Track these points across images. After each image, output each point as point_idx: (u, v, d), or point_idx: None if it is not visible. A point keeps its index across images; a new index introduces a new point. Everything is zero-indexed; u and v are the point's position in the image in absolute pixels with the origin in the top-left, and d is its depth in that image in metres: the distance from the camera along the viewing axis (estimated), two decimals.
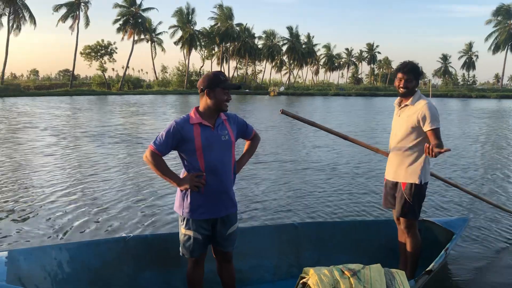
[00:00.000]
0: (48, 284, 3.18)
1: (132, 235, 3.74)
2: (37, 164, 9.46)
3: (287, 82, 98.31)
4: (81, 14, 62.88)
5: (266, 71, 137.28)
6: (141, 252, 3.64)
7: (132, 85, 73.26)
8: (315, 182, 8.14)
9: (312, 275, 2.84)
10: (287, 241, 4.06)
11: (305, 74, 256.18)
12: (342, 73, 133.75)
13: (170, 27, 77.16)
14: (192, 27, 76.81)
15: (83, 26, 64.54)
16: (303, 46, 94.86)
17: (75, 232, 5.23)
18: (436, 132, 3.42)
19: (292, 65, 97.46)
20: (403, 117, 3.60)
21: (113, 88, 67.76)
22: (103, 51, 68.04)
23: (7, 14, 56.16)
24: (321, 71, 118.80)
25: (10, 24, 56.44)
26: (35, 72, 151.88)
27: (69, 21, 62.96)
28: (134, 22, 68.45)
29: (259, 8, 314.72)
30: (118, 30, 68.96)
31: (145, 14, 70.31)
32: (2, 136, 14.31)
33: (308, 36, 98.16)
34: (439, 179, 4.58)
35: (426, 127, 3.44)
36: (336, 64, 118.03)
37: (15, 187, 7.35)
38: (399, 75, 3.58)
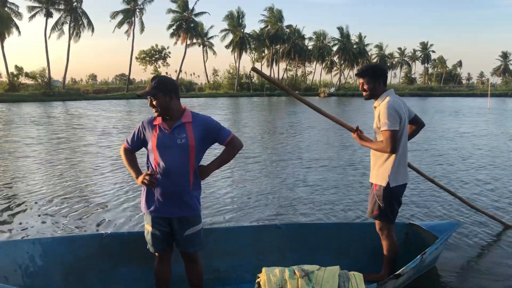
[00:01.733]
0: (18, 277, 3.25)
1: (108, 232, 3.78)
2: (93, 163, 10.00)
3: (338, 83, 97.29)
4: (136, 20, 65.36)
5: (316, 72, 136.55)
6: (117, 249, 3.65)
7: (184, 89, 75.06)
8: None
9: (262, 275, 2.91)
10: (269, 242, 4.04)
11: None
12: (395, 73, 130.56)
13: (221, 31, 78.68)
14: (242, 30, 77.82)
15: (138, 32, 66.93)
16: (354, 46, 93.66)
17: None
18: (385, 133, 3.33)
19: (343, 66, 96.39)
20: (375, 119, 3.54)
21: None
22: (157, 56, 70.30)
23: (68, 22, 59.27)
24: None
25: (71, 32, 59.53)
26: (93, 76, 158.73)
27: (125, 27, 65.70)
28: (187, 27, 70.17)
29: (309, 10, 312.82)
30: (172, 35, 70.99)
31: (197, 19, 71.99)
32: (64, 136, 15.18)
33: (360, 36, 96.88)
34: (421, 175, 4.63)
35: (381, 127, 3.38)
36: (388, 64, 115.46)
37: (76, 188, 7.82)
38: (358, 79, 3.61)
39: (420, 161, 10.27)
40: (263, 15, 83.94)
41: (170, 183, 2.91)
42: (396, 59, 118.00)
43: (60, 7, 58.90)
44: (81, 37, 60.91)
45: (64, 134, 16.59)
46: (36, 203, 6.60)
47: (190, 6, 70.74)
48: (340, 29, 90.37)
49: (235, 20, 77.39)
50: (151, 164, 2.99)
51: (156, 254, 3.15)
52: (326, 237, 4.14)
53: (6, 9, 54.32)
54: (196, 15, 71.72)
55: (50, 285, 3.39)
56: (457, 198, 5.19)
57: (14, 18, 55.35)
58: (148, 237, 3.09)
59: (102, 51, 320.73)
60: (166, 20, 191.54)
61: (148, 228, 3.06)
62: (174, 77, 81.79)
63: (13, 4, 55.64)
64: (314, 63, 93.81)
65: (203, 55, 78.51)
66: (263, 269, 2.95)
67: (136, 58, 69.88)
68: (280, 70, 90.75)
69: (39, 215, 6.00)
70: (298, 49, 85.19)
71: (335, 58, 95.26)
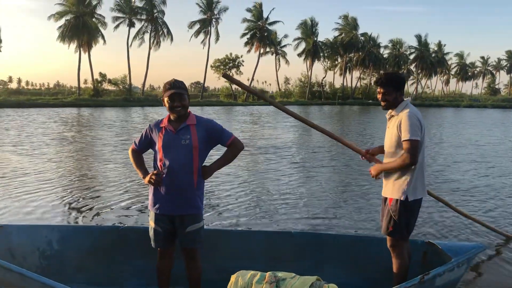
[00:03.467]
0: (35, 258, 3.56)
1: (126, 225, 3.83)
2: None
3: (414, 93, 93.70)
4: (212, 29, 67.26)
5: None
6: (132, 242, 3.74)
7: (256, 97, 75.71)
8: None
9: (233, 277, 2.88)
10: (281, 249, 3.96)
11: (434, 84, 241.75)
12: (476, 83, 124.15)
13: (295, 40, 78.79)
14: (315, 38, 77.50)
15: (213, 41, 68.79)
16: (433, 54, 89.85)
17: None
18: (407, 143, 3.16)
19: (420, 75, 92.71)
20: (389, 129, 3.39)
21: (239, 99, 70.91)
22: (231, 64, 71.58)
23: (149, 31, 62.34)
24: (452, 81, 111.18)
25: (151, 41, 62.55)
26: None
27: (201, 36, 67.76)
28: (261, 36, 71.07)
29: (386, 17, 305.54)
30: (246, 43, 72.21)
31: (271, 28, 72.68)
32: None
33: (439, 44, 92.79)
34: (436, 198, 4.38)
35: (402, 137, 3.20)
36: (469, 74, 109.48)
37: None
38: (378, 88, 3.43)
39: None
40: (337, 23, 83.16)
41: (175, 182, 3.07)
42: (478, 69, 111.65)
43: (142, 17, 62.08)
44: (160, 46, 63.79)
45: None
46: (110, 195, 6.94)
47: (265, 15, 71.67)
48: (418, 37, 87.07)
49: (308, 29, 77.27)
50: (157, 164, 3.15)
51: (158, 249, 3.29)
52: (341, 249, 3.97)
53: (94, 19, 58.21)
54: (270, 24, 72.45)
55: (65, 269, 3.62)
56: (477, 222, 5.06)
57: (100, 28, 59.19)
58: (151, 233, 3.25)
59: (179, 59, 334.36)
60: (240, 28, 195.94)
61: (151, 224, 3.23)
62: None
63: (100, 15, 59.56)
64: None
65: (276, 64, 79.01)
66: (237, 272, 2.94)
67: (211, 66, 71.76)
68: (353, 79, 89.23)
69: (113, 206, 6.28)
70: (372, 57, 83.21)
71: (412, 67, 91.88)
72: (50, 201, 7.01)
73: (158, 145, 3.11)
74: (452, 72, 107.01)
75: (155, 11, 62.02)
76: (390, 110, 3.43)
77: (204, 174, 3.19)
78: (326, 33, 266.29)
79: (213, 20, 67.05)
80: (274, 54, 77.48)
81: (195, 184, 3.13)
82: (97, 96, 56.28)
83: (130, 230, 3.90)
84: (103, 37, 59.36)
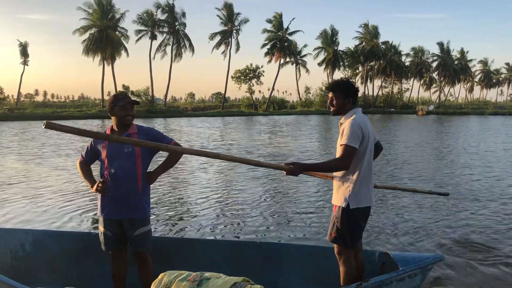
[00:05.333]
0: (8, 259, 3.83)
1: (97, 232, 3.87)
2: (193, 180, 10.41)
3: (437, 101, 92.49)
4: (233, 40, 67.77)
5: (413, 89, 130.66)
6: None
7: (277, 106, 75.97)
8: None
9: (160, 275, 2.87)
10: (247, 259, 3.99)
11: (458, 92, 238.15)
12: (501, 90, 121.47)
13: (315, 49, 78.90)
14: (335, 47, 77.40)
15: (233, 51, 69.26)
16: (456, 62, 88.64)
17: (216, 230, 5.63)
18: (341, 148, 3.17)
19: (443, 83, 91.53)
20: (339, 135, 3.35)
21: (259, 109, 71.10)
22: (251, 75, 71.89)
23: (170, 44, 63.25)
24: (476, 88, 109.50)
25: (173, 53, 63.43)
26: (191, 95, 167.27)
27: (222, 47, 68.31)
28: (281, 46, 71.30)
29: (407, 25, 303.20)
30: (266, 54, 72.48)
31: (291, 38, 72.88)
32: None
33: (462, 51, 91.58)
34: (384, 188, 4.55)
35: (340, 142, 3.23)
36: (494, 81, 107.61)
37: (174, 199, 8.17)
38: (328, 93, 3.47)
39: None
40: (358, 31, 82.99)
41: (120, 188, 3.24)
42: (503, 75, 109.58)
43: (164, 30, 63.12)
44: (182, 57, 64.62)
45: None
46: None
47: (285, 26, 71.93)
48: (440, 44, 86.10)
49: (328, 38, 77.31)
50: (102, 172, 3.35)
51: (110, 253, 3.45)
52: (304, 259, 3.95)
53: (117, 33, 59.42)
54: (290, 34, 72.67)
55: (36, 271, 3.84)
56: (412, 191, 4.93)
57: (123, 41, 60.36)
58: (101, 237, 3.42)
59: (200, 70, 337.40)
60: (261, 39, 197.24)
61: (101, 229, 3.41)
62: (266, 95, 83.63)
63: (123, 28, 60.80)
64: (412, 79, 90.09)
65: (296, 73, 79.02)
66: (167, 271, 2.91)
67: (232, 77, 72.21)
68: (374, 87, 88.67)
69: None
70: (394, 66, 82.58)
71: (435, 75, 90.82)
72: (74, 209, 7.16)
73: (103, 155, 3.29)
74: (476, 79, 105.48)
75: (176, 23, 62.96)
76: (342, 118, 3.41)
77: (149, 179, 3.38)
78: (347, 42, 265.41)
79: (234, 31, 67.64)
80: (294, 64, 77.65)
81: (140, 190, 3.31)
82: None
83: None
84: (126, 50, 60.58)
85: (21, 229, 4.49)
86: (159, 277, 2.84)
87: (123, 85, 61.90)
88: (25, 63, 64.23)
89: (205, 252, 4.07)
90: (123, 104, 3.25)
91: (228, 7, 66.43)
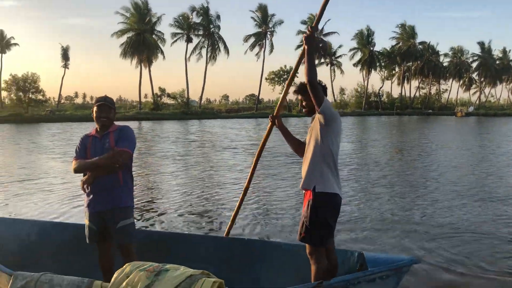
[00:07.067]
0: (15, 245, 4.08)
1: None
2: (227, 178, 10.42)
3: (477, 102, 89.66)
4: (267, 42, 67.79)
5: (452, 90, 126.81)
6: None
7: None
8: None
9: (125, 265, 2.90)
10: (232, 254, 4.07)
11: (499, 93, 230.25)
12: None
13: (350, 50, 78.00)
14: (371, 48, 76.30)
15: (267, 53, 69.27)
16: (497, 61, 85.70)
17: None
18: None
19: (483, 83, 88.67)
20: (312, 128, 3.40)
21: (293, 111, 70.83)
22: (285, 76, 71.83)
23: (206, 46, 63.91)
24: None
25: (208, 55, 64.03)
26: (225, 97, 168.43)
27: (256, 49, 68.42)
28: (316, 47, 70.70)
29: (445, 24, 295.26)
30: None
31: (326, 39, 72.27)
32: (201, 151, 16.19)
33: (504, 51, 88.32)
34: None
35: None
36: None
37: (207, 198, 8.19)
38: (297, 96, 3.52)
39: None
40: (395, 32, 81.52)
41: (102, 181, 3.48)
42: None
43: (199, 33, 63.85)
44: (216, 60, 65.13)
45: (202, 149, 17.65)
46: (171, 204, 7.14)
47: (320, 27, 71.18)
48: (481, 43, 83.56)
49: (364, 39, 76.29)
50: None
51: (96, 245, 3.64)
52: (294, 257, 3.88)
53: (153, 36, 60.51)
54: (325, 35, 72.13)
55: (41, 259, 4.03)
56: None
57: (160, 44, 61.38)
58: (86, 231, 3.62)
59: (234, 72, 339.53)
60: (295, 40, 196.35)
61: (86, 222, 3.62)
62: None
63: (159, 31, 61.88)
64: (450, 80, 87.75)
65: (331, 74, 78.46)
66: (132, 262, 2.97)
67: (266, 78, 72.36)
68: (412, 88, 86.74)
69: (175, 212, 6.45)
70: (432, 66, 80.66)
71: (475, 75, 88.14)
72: None
73: (88, 150, 3.57)
74: None
75: (211, 26, 63.57)
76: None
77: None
78: (383, 42, 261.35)
79: (268, 33, 67.65)
80: (329, 65, 77.02)
81: (121, 182, 3.53)
82: (157, 110, 58.18)
83: None
84: (162, 53, 61.58)
85: (26, 219, 4.77)
86: (124, 266, 2.89)
87: (159, 88, 62.97)
88: (65, 66, 66.46)
89: (191, 247, 4.16)
90: (96, 106, 3.57)
91: (263, 9, 66.54)
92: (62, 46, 66.55)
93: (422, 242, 5.64)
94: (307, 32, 3.36)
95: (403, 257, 3.65)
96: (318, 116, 3.30)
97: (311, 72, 3.23)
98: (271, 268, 4.02)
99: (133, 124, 40.05)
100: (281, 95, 3.95)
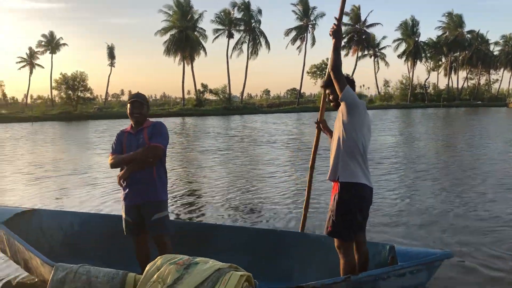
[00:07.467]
0: (60, 237, 4.33)
1: None
2: (266, 172, 10.42)
3: None
4: (308, 35, 67.18)
5: (503, 80, 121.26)
6: None
7: None
8: None
9: (158, 258, 2.98)
10: (264, 245, 4.12)
11: None
12: None
13: (394, 41, 76.01)
14: (416, 38, 74.06)
15: (309, 46, 68.72)
16: None
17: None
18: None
19: None
20: (337, 118, 3.40)
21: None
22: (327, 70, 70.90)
23: (247, 41, 64.13)
24: None
25: (249, 50, 64.26)
26: (267, 91, 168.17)
27: (297, 43, 67.96)
28: (358, 39, 69.62)
29: (496, 12, 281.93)
30: (343, 47, 71.01)
31: (369, 30, 70.92)
32: (244, 146, 16.29)
33: None
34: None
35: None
36: None
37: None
38: (325, 91, 3.61)
39: None
40: (441, 21, 78.72)
41: (137, 176, 3.60)
42: None
43: (240, 28, 64.11)
44: (258, 54, 65.20)
45: (243, 145, 17.77)
46: (213, 196, 7.28)
47: (363, 18, 70.11)
48: None
49: (408, 29, 74.09)
50: None
51: (133, 237, 3.78)
52: (325, 250, 3.88)
53: (195, 33, 61.31)
54: (368, 26, 70.74)
55: (83, 248, 4.26)
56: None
57: (202, 41, 62.16)
58: (123, 223, 3.76)
59: (275, 67, 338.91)
60: None
61: (123, 214, 3.76)
62: None
63: (201, 28, 62.64)
64: (501, 70, 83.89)
65: (374, 66, 76.75)
66: (165, 255, 3.06)
67: (308, 72, 71.81)
68: (459, 79, 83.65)
69: (218, 205, 6.56)
70: (481, 56, 77.37)
71: None
72: None
73: (124, 145, 3.72)
74: None
75: (252, 21, 63.68)
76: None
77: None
78: (429, 32, 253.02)
79: (309, 26, 67.00)
80: (372, 57, 75.46)
81: (155, 176, 3.65)
82: (200, 106, 58.99)
83: None
84: (204, 49, 62.29)
85: (71, 211, 5.03)
86: (156, 259, 2.99)
87: (202, 84, 63.89)
88: (112, 64, 68.65)
89: (224, 238, 4.25)
90: (130, 103, 3.73)
91: (304, 2, 65.88)
92: (108, 45, 68.83)
93: (462, 236, 5.48)
94: (334, 27, 3.40)
95: (436, 251, 3.56)
96: (341, 106, 3.30)
97: (336, 61, 3.29)
98: (301, 260, 4.03)
99: (177, 120, 40.90)
100: (321, 100, 3.96)
